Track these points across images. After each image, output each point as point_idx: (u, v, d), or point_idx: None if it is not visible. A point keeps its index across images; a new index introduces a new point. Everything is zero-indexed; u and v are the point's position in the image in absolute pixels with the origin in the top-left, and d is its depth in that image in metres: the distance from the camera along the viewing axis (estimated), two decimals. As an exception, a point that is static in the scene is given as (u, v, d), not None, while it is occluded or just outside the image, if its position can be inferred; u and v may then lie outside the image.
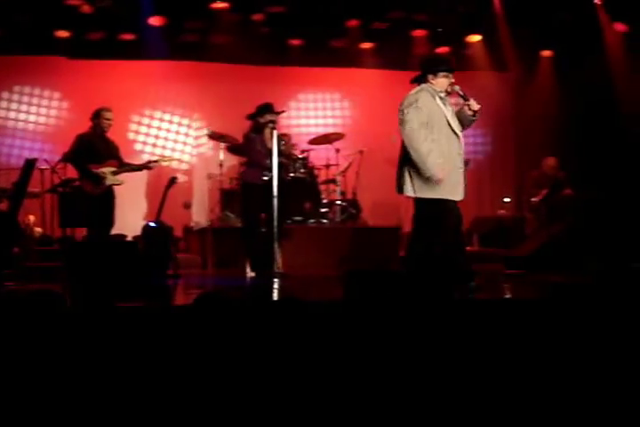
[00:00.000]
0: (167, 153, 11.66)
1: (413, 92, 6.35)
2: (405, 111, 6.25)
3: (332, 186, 10.81)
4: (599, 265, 8.30)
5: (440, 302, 4.92)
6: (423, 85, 6.34)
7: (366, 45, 11.90)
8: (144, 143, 11.75)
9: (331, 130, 11.87)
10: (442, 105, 6.25)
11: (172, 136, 11.91)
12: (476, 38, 11.85)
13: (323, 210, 10.48)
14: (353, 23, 11.36)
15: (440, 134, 6.17)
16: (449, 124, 6.21)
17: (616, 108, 10.47)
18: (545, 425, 3.82)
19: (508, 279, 7.72)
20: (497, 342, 4.49)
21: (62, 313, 4.42)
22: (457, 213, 6.28)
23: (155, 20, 10.79)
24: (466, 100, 6.23)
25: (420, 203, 6.30)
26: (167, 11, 10.65)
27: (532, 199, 10.33)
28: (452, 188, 6.19)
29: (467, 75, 12.05)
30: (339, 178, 10.75)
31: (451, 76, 6.30)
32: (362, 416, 3.81)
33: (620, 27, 11.04)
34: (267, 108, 8.12)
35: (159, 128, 11.86)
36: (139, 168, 8.44)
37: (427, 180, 6.13)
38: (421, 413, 3.87)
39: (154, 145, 11.80)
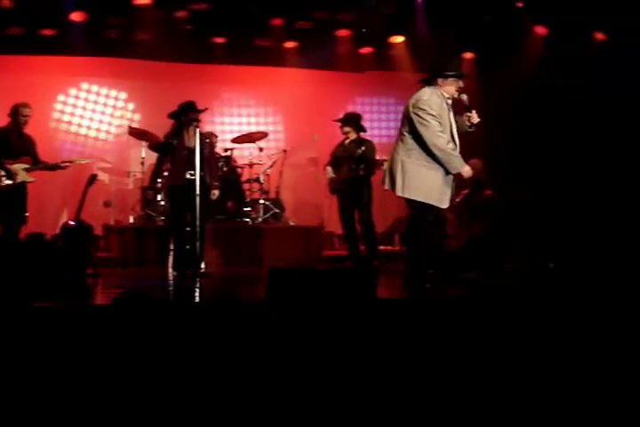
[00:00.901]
0: (87, 151, 11.50)
1: (427, 93, 6.32)
2: (422, 113, 6.22)
3: (255, 185, 10.79)
4: (518, 265, 8.44)
5: (362, 300, 4.93)
6: (432, 88, 6.33)
7: (290, 44, 11.88)
8: (64, 140, 11.55)
9: (254, 129, 11.84)
10: (450, 109, 6.32)
11: (93, 133, 11.73)
12: (399, 39, 11.91)
13: (246, 209, 10.46)
14: (277, 22, 11.32)
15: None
16: (451, 131, 6.30)
17: (538, 109, 10.64)
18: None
19: (430, 279, 7.77)
20: (415, 341, 4.52)
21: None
22: (437, 217, 6.49)
23: (76, 16, 10.61)
24: (469, 110, 6.27)
25: (408, 201, 6.46)
26: (89, 6, 10.48)
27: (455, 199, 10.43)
28: (444, 197, 6.31)
29: (390, 75, 12.18)
30: (262, 177, 10.72)
31: (460, 82, 6.33)
32: (282, 416, 3.80)
33: (540, 30, 11.22)
34: (189, 107, 8.06)
35: (79, 125, 11.67)
36: (52, 167, 8.31)
37: (418, 181, 6.25)
38: (342, 412, 3.87)
39: (74, 142, 11.61)
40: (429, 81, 6.40)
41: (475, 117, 6.20)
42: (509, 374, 4.25)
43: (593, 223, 9.33)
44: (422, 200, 6.29)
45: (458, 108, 6.48)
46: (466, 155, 10.98)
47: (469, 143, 11.50)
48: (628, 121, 9.90)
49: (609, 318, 5.01)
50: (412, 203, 6.43)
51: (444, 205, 6.32)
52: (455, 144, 6.31)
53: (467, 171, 6.24)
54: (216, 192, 8.19)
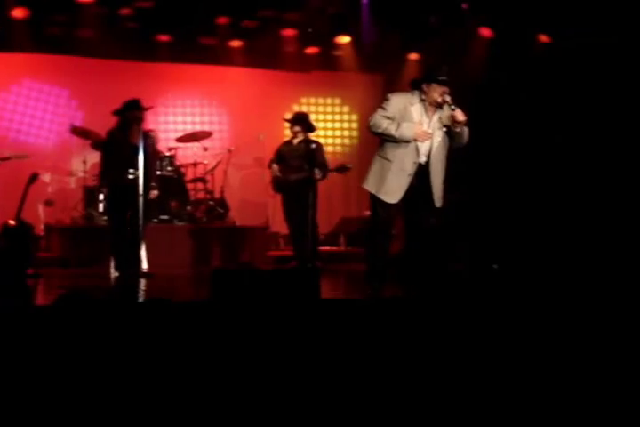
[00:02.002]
0: (29, 148, 11.34)
1: (395, 94, 6.49)
2: (377, 109, 6.44)
3: (199, 185, 10.73)
4: (461, 266, 8.51)
5: (306, 300, 4.94)
6: (411, 92, 6.43)
7: (236, 43, 11.84)
8: (5, 138, 11.38)
9: (199, 128, 11.79)
10: (417, 112, 6.33)
11: (35, 131, 11.58)
12: (345, 39, 11.95)
13: (190, 209, 10.40)
14: (223, 20, 11.28)
15: (407, 140, 6.31)
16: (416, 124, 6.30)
17: (481, 111, 10.72)
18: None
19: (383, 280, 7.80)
20: (356, 340, 4.53)
21: None
22: (391, 213, 6.44)
23: (18, 12, 10.46)
24: (452, 110, 6.25)
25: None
26: (31, 2, 10.35)
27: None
28: (390, 190, 6.33)
29: (335, 75, 12.21)
30: (206, 177, 10.67)
31: (444, 88, 6.31)
32: (222, 416, 3.79)
33: (485, 32, 11.33)
34: (133, 105, 7.99)
35: (21, 122, 11.52)
36: None
37: (372, 171, 6.42)
38: (284, 411, 3.86)
39: (15, 140, 11.44)
40: (415, 85, 6.48)
41: (459, 116, 6.22)
42: (456, 374, 4.28)
43: (535, 224, 9.44)
44: (369, 189, 6.42)
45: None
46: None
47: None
48: (572, 122, 10.03)
49: (554, 317, 5.06)
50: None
51: (390, 199, 6.35)
52: (417, 145, 6.34)
53: (420, 135, 6.26)
54: (155, 192, 8.12)
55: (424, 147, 6.36)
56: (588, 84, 9.87)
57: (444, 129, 6.39)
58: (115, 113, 8.05)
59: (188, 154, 10.97)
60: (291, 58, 11.86)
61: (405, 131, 6.25)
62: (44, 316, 4.42)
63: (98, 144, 9.91)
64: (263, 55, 11.80)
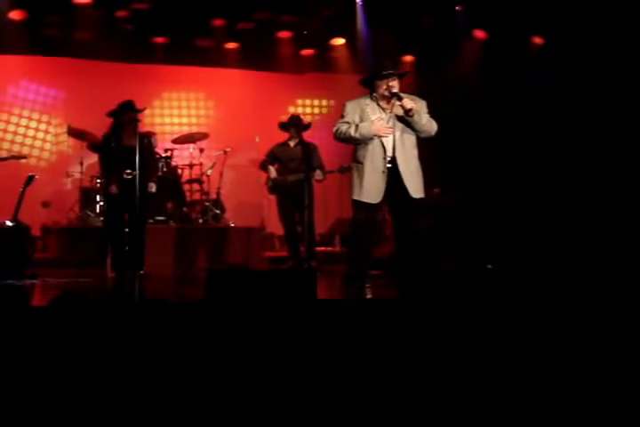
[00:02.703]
0: (25, 150, 11.40)
1: (347, 102, 6.65)
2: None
3: (195, 186, 10.76)
4: (455, 266, 8.53)
5: (302, 301, 4.96)
6: (362, 95, 6.62)
7: (231, 45, 11.88)
8: (1, 139, 11.42)
9: (195, 129, 11.83)
10: (372, 110, 6.48)
11: (32, 133, 11.62)
12: (340, 41, 11.99)
13: (186, 210, 10.43)
14: (218, 22, 11.31)
15: (369, 140, 6.44)
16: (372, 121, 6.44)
17: (476, 111, 10.77)
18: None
19: (369, 279, 7.82)
20: (353, 341, 4.55)
21: None
22: (369, 215, 6.54)
23: (15, 14, 10.49)
24: (399, 99, 6.37)
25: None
26: (28, 4, 10.37)
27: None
28: (368, 190, 6.44)
29: (330, 77, 12.24)
30: (202, 178, 10.70)
31: (390, 80, 6.44)
32: (220, 417, 3.81)
33: (479, 34, 11.38)
34: (128, 106, 8.01)
35: (17, 124, 11.55)
36: None
37: (355, 181, 6.51)
38: (282, 415, 3.89)
39: (12, 141, 11.47)
40: (366, 84, 6.64)
41: (406, 104, 6.31)
42: (452, 374, 4.31)
43: (530, 224, 9.48)
44: (354, 197, 6.53)
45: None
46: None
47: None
48: (565, 122, 10.08)
49: (550, 318, 5.09)
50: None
51: (371, 199, 6.45)
52: (381, 140, 6.45)
53: (379, 129, 6.40)
54: (153, 185, 8.14)
55: (389, 142, 6.46)
56: (583, 85, 9.91)
57: (405, 121, 6.50)
58: (109, 115, 8.08)
59: (184, 155, 11.00)
60: (286, 60, 11.90)
61: (363, 130, 6.41)
62: (40, 317, 4.44)
63: (94, 146, 9.94)
64: (259, 57, 11.84)
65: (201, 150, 10.87)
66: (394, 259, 8.66)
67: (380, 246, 9.51)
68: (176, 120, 12.33)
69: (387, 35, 11.29)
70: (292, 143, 9.06)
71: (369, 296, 6.27)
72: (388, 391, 4.10)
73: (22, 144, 11.51)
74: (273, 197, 9.42)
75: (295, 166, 8.91)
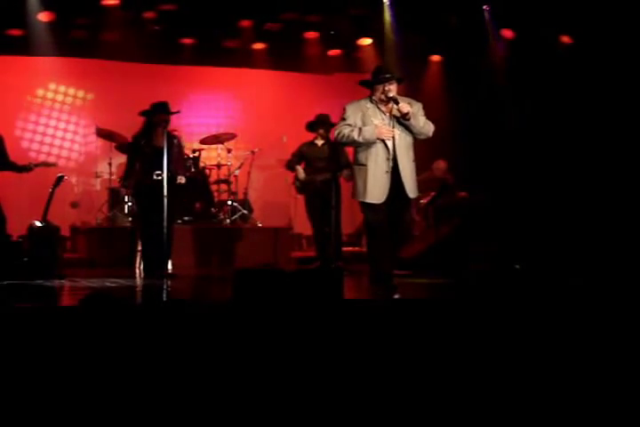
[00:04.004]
0: (54, 151, 11.48)
1: (353, 102, 6.82)
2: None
3: (223, 186, 10.78)
4: (483, 266, 8.50)
5: (329, 301, 4.96)
6: (362, 98, 6.79)
7: (259, 46, 11.90)
8: (31, 141, 11.51)
9: (222, 130, 11.84)
10: (373, 113, 6.63)
11: (60, 134, 11.69)
12: (367, 42, 11.97)
13: (214, 210, 10.45)
14: (246, 23, 11.33)
15: (372, 141, 6.55)
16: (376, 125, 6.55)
17: (502, 111, 10.72)
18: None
19: (397, 280, 7.81)
20: (381, 341, 4.55)
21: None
22: (380, 215, 6.61)
23: (44, 16, 10.56)
24: (397, 103, 6.51)
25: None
26: (56, 6, 10.43)
27: (421, 201, 10.50)
28: (374, 191, 6.56)
29: (358, 77, 12.20)
30: (230, 178, 10.72)
31: (387, 84, 6.62)
32: (251, 416, 3.82)
33: (507, 33, 11.32)
34: (161, 107, 8.02)
35: (47, 125, 11.63)
36: (19, 169, 8.16)
37: (359, 183, 6.64)
38: (309, 415, 3.89)
39: (41, 143, 11.56)
40: (365, 84, 6.87)
41: (403, 107, 6.41)
42: (480, 375, 4.29)
43: (557, 224, 9.42)
44: (359, 199, 6.69)
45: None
46: (431, 156, 11.17)
47: (434, 145, 11.64)
48: (590, 123, 10.01)
49: (578, 317, 5.06)
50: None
51: (377, 200, 6.56)
52: (386, 147, 6.58)
53: (383, 133, 6.51)
54: (182, 177, 8.14)
55: (391, 143, 6.59)
56: (612, 85, 9.84)
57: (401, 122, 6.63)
58: (142, 114, 8.09)
59: (212, 156, 11.03)
60: (313, 60, 11.90)
61: (367, 133, 6.54)
62: (69, 317, 4.46)
63: (122, 146, 9.99)
64: (286, 57, 11.85)
65: (229, 151, 10.88)
66: (421, 259, 8.67)
67: (407, 247, 9.50)
68: (204, 121, 12.35)
69: (414, 34, 11.26)
70: (319, 142, 9.05)
71: (396, 296, 6.26)
72: (415, 390, 4.09)
73: (51, 145, 11.59)
74: (300, 197, 9.41)
75: (322, 166, 8.90)
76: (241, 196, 10.87)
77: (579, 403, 4.02)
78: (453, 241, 8.89)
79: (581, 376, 4.31)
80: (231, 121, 12.48)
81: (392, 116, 6.63)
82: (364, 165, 6.57)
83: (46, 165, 8.61)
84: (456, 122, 11.42)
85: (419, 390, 4.13)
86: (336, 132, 6.69)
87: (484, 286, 7.06)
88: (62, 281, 7.37)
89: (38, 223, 7.74)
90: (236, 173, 10.81)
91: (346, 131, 6.58)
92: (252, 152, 11.01)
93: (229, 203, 10.53)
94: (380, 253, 6.69)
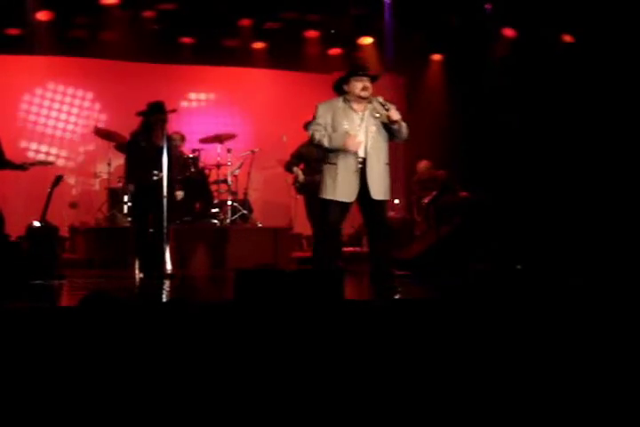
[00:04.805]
0: (53, 151, 11.45)
1: (325, 102, 6.62)
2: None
3: (223, 186, 10.75)
4: (484, 266, 8.48)
5: (330, 301, 4.94)
6: (334, 98, 6.60)
7: (258, 45, 11.90)
8: (29, 140, 11.48)
9: (222, 129, 11.82)
10: (345, 113, 6.47)
11: (59, 133, 11.66)
12: (367, 41, 11.95)
13: (213, 210, 10.43)
14: (245, 22, 11.33)
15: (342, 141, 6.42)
16: (347, 133, 6.40)
17: (503, 111, 10.71)
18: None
19: (398, 280, 7.79)
20: (382, 341, 4.53)
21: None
22: (340, 216, 6.54)
23: (42, 15, 10.54)
24: (387, 110, 6.38)
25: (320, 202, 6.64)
26: (55, 5, 10.42)
27: (423, 201, 10.50)
28: (344, 190, 6.43)
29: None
30: (230, 178, 10.69)
31: (365, 80, 6.47)
32: (249, 416, 3.79)
33: (508, 32, 11.31)
34: (158, 107, 8.02)
35: (45, 125, 11.60)
36: (15, 167, 8.15)
37: (328, 182, 6.48)
38: (311, 415, 3.87)
39: (40, 142, 11.53)
40: (337, 89, 6.65)
41: (393, 115, 6.32)
42: (480, 375, 4.27)
43: (559, 224, 9.40)
44: (326, 197, 6.51)
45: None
46: (431, 156, 11.15)
47: (434, 144, 11.63)
48: (592, 122, 9.99)
49: (578, 317, 5.05)
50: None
51: (346, 198, 6.46)
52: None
53: (350, 145, 6.37)
54: (180, 193, 8.19)
55: (362, 143, 6.46)
56: (613, 84, 9.83)
57: (378, 124, 6.49)
58: (139, 114, 8.08)
59: (212, 155, 11.00)
60: (313, 59, 11.89)
61: (335, 142, 6.41)
62: (68, 317, 4.44)
63: (121, 146, 9.96)
64: (286, 57, 11.83)
65: (228, 150, 10.85)
66: (422, 259, 8.65)
67: (407, 247, 9.48)
68: (203, 120, 12.32)
69: (415, 33, 11.25)
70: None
71: (397, 297, 6.23)
72: (416, 390, 4.07)
73: (50, 145, 11.56)
74: (300, 198, 9.40)
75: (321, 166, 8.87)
76: (241, 196, 10.84)
77: (579, 402, 4.00)
78: (454, 241, 8.87)
79: (582, 376, 4.30)
80: (230, 120, 12.45)
81: (365, 115, 6.47)
82: (334, 164, 6.45)
83: (42, 163, 8.58)
84: (457, 121, 11.42)
85: (420, 389, 4.11)
86: (309, 133, 6.57)
87: (485, 286, 7.05)
88: (61, 281, 7.34)
89: (37, 223, 7.71)
90: (236, 172, 10.78)
91: (317, 135, 6.46)
92: (252, 152, 10.98)
93: (229, 203, 10.50)
94: (327, 253, 6.60)
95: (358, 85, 6.44)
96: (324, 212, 6.57)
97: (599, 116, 9.95)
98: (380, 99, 6.43)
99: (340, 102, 6.54)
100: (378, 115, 6.44)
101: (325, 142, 6.43)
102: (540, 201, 9.72)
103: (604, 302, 5.39)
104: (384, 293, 6.36)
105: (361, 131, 6.44)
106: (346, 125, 6.42)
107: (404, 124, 6.51)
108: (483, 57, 11.04)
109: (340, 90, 6.60)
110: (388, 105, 6.40)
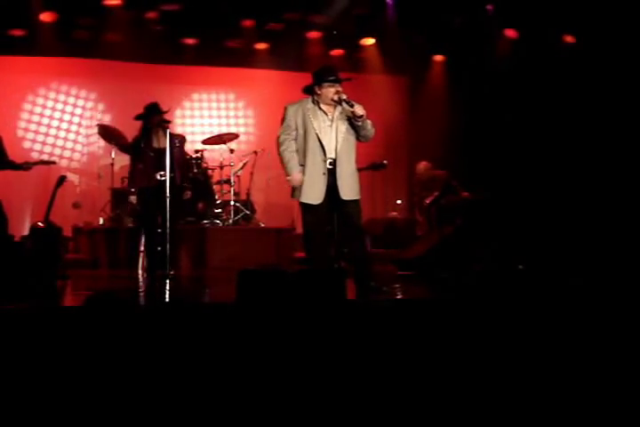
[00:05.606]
0: (57, 151, 11.47)
1: (292, 104, 6.62)
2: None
3: (225, 186, 10.77)
4: (487, 267, 8.49)
5: (332, 301, 4.95)
6: (307, 99, 6.59)
7: (261, 46, 11.91)
8: (33, 141, 11.50)
9: (225, 130, 11.84)
10: (314, 115, 6.48)
11: (62, 134, 11.68)
12: (369, 41, 11.96)
13: (216, 210, 10.44)
14: (248, 23, 11.34)
15: (311, 143, 6.44)
16: (317, 135, 6.42)
17: (505, 111, 10.72)
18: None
19: (400, 280, 7.81)
20: (384, 341, 4.54)
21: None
22: (317, 216, 6.52)
23: (46, 16, 10.56)
24: (351, 106, 6.37)
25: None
26: (59, 6, 10.44)
27: (425, 201, 10.50)
28: (311, 192, 6.45)
29: (360, 78, 12.20)
30: (233, 178, 10.71)
31: (337, 85, 6.47)
32: (252, 417, 3.81)
33: (510, 33, 11.32)
34: (153, 108, 8.04)
35: (49, 126, 11.62)
36: (16, 167, 8.16)
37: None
38: (313, 415, 3.88)
39: (43, 143, 11.55)
40: (309, 90, 6.64)
41: (358, 111, 6.34)
42: (482, 374, 4.29)
43: (559, 224, 9.41)
44: (297, 199, 6.55)
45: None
46: (433, 156, 11.15)
47: (436, 145, 11.63)
48: (593, 123, 10.00)
49: (579, 317, 5.06)
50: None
51: (314, 200, 6.46)
52: (323, 148, 6.45)
53: (291, 179, 6.45)
54: (188, 192, 8.23)
55: (330, 144, 6.46)
56: (613, 84, 9.84)
57: (348, 123, 6.49)
58: (137, 118, 8.11)
59: (215, 156, 11.02)
60: (316, 60, 11.88)
61: (287, 170, 6.49)
62: (72, 317, 4.46)
63: (124, 148, 9.98)
64: (288, 57, 11.83)
65: (231, 151, 10.87)
66: (424, 259, 8.67)
67: (409, 248, 9.50)
68: (206, 121, 12.35)
69: (417, 34, 11.26)
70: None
71: (398, 297, 6.25)
72: (417, 389, 4.09)
73: (53, 145, 11.58)
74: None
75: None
76: (243, 196, 10.86)
77: (579, 402, 4.01)
78: (456, 241, 8.87)
79: (582, 376, 4.31)
80: (233, 121, 12.47)
81: (335, 117, 6.47)
82: (302, 166, 6.46)
83: (44, 163, 8.61)
84: (459, 122, 11.43)
85: (421, 389, 4.12)
86: (278, 138, 6.59)
87: (487, 286, 7.06)
88: (65, 282, 7.36)
89: (41, 224, 7.72)
90: (239, 173, 10.80)
91: (281, 148, 6.52)
92: (255, 152, 10.99)
93: (232, 203, 10.52)
94: (319, 254, 6.63)
95: (332, 90, 6.45)
96: (302, 213, 6.62)
97: (601, 116, 9.96)
98: (344, 96, 6.40)
99: (309, 103, 6.55)
100: (346, 105, 6.38)
101: (285, 159, 6.48)
102: (542, 201, 9.73)
103: (604, 302, 5.40)
104: (367, 293, 6.35)
105: (331, 131, 6.44)
106: (315, 126, 6.44)
107: (368, 122, 6.50)
108: (485, 58, 11.04)
109: (309, 91, 6.60)
110: (352, 102, 6.39)
